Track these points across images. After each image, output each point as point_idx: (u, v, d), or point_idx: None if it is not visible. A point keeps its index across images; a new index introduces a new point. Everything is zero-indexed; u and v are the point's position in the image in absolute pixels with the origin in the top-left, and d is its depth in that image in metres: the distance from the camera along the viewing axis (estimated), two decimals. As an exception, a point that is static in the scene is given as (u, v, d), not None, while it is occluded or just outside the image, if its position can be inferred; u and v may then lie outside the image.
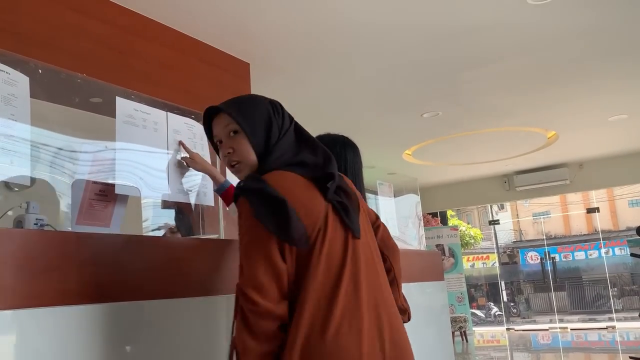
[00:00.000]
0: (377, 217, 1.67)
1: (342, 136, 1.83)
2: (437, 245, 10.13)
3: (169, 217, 2.92)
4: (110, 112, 1.87)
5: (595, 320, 13.45)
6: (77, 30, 3.18)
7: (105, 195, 1.82)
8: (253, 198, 1.27)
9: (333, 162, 1.42)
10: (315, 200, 1.31)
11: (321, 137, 1.82)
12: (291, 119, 1.57)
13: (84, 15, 3.23)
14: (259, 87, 4.60)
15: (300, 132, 1.53)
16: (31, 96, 1.63)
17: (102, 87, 2.39)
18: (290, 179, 1.33)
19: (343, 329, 1.20)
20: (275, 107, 1.55)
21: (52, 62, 2.11)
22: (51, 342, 1.36)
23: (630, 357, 5.17)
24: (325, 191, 1.33)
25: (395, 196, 3.80)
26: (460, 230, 12.67)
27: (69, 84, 2.12)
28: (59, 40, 3.07)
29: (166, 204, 2.70)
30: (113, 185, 1.81)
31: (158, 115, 1.98)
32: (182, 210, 2.76)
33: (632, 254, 5.30)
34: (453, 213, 16.06)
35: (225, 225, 2.37)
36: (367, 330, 1.23)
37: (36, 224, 1.80)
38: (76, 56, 3.12)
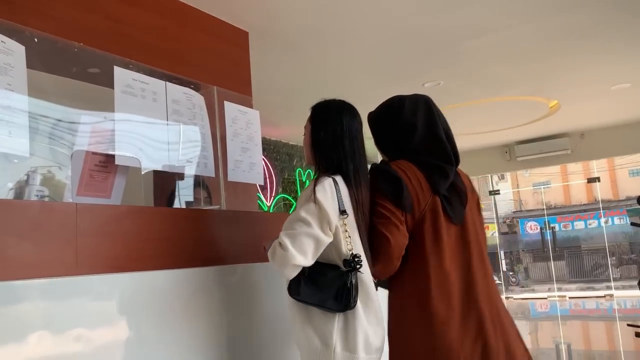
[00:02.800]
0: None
1: (338, 101, 1.79)
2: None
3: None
4: (109, 82, 1.84)
5: (593, 289, 13.60)
6: (73, 0, 3.12)
7: (105, 166, 1.81)
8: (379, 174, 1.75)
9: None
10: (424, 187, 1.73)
11: (317, 104, 1.79)
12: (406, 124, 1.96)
13: (79, -16, 3.16)
14: (258, 56, 4.54)
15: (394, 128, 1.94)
16: (27, 66, 1.61)
17: (99, 57, 2.35)
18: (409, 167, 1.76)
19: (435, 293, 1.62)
20: (389, 115, 1.98)
21: (48, 32, 2.07)
22: (51, 313, 1.37)
23: (628, 325, 5.23)
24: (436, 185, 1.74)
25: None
26: (460, 201, 12.67)
27: (66, 54, 2.09)
28: (54, 9, 3.01)
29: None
30: (113, 156, 1.80)
31: (157, 85, 1.96)
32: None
33: (632, 223, 5.32)
34: (453, 183, 16.05)
35: (226, 197, 2.37)
36: (456, 299, 1.64)
37: (37, 196, 1.79)
38: (72, 26, 3.07)
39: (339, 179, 1.67)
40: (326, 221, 1.57)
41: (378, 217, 1.68)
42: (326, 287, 1.56)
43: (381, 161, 1.88)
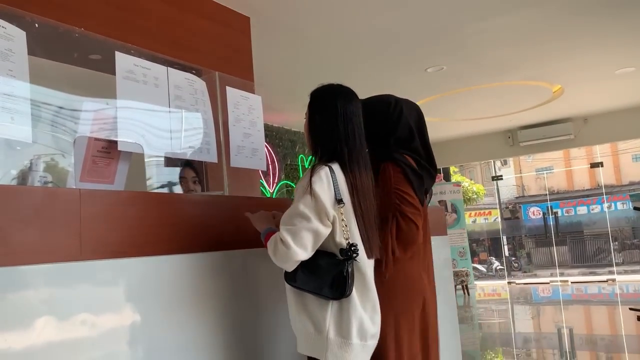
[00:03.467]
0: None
1: (333, 85, 1.77)
2: (440, 202, 10.17)
3: (171, 175, 2.93)
4: (110, 69, 1.84)
5: (595, 274, 13.62)
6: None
7: (108, 152, 1.81)
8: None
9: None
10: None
11: (314, 90, 1.78)
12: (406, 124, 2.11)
13: (79, -31, 3.14)
14: (260, 41, 4.51)
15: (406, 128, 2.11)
16: (28, 53, 1.60)
17: (101, 43, 2.34)
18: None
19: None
20: (393, 113, 2.08)
21: (49, 18, 2.05)
22: (56, 298, 1.38)
23: (630, 309, 5.25)
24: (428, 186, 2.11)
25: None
26: (463, 187, 12.68)
27: (67, 40, 2.08)
28: (54, -5, 2.99)
29: (170, 162, 2.69)
30: (115, 142, 1.80)
31: (158, 70, 1.95)
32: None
33: (635, 208, 5.31)
34: (456, 169, 16.06)
35: (229, 183, 2.37)
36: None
37: (40, 182, 1.80)
38: (73, 12, 3.05)
39: (335, 166, 1.66)
40: (324, 213, 1.57)
41: (407, 205, 1.89)
42: (322, 275, 1.58)
43: (394, 153, 2.00)
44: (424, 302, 2.00)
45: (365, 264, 1.67)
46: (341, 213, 1.60)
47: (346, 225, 1.61)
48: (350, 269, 1.57)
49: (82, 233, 1.43)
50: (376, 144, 1.96)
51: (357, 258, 1.60)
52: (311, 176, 1.60)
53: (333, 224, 1.60)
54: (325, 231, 1.59)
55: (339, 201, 1.61)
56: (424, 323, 2.00)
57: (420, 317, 1.99)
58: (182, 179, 2.89)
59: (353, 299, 1.60)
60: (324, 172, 1.62)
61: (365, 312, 1.63)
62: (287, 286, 1.67)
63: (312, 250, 1.59)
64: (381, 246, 1.81)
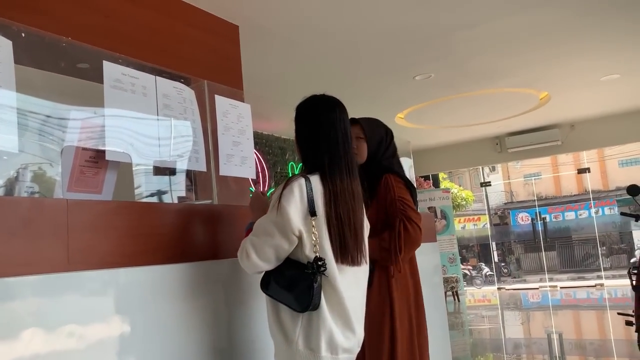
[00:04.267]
0: None
1: (315, 96, 1.77)
2: (429, 208, 10.20)
3: (160, 184, 2.91)
4: (98, 78, 1.82)
5: (584, 279, 13.72)
6: (60, -7, 3.09)
7: (95, 161, 1.80)
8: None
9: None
10: None
11: (298, 104, 1.78)
12: (394, 144, 2.39)
13: (66, -22, 3.13)
14: (249, 50, 4.52)
15: (395, 150, 2.38)
16: (15, 62, 1.59)
17: (88, 52, 2.33)
18: None
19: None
20: (387, 133, 2.36)
21: (36, 27, 2.04)
22: (43, 310, 1.36)
23: (618, 313, 5.28)
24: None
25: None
26: (452, 193, 12.74)
27: (54, 49, 2.07)
28: (41, 4, 2.98)
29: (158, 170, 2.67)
30: (103, 152, 1.78)
31: (146, 79, 1.94)
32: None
33: (622, 213, 5.36)
34: (445, 176, 16.13)
35: (218, 191, 2.36)
36: None
37: (27, 192, 1.78)
38: (60, 21, 3.04)
39: (315, 177, 1.64)
40: (289, 228, 1.56)
41: (411, 211, 2.13)
42: (291, 287, 1.57)
43: (389, 167, 2.27)
44: (417, 301, 2.22)
45: (337, 277, 1.61)
46: (313, 226, 1.58)
47: (316, 238, 1.59)
48: (316, 283, 1.55)
49: (70, 243, 1.42)
50: (375, 159, 2.25)
51: (325, 272, 1.57)
52: (283, 189, 1.60)
53: (301, 237, 1.58)
54: (288, 246, 1.59)
55: (311, 213, 1.58)
56: (418, 319, 2.20)
57: (416, 316, 2.19)
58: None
59: (323, 312, 1.57)
60: (297, 184, 1.60)
61: (336, 325, 1.59)
62: (265, 295, 1.67)
63: (277, 261, 1.61)
64: (387, 249, 2.05)
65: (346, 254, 1.64)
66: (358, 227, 1.69)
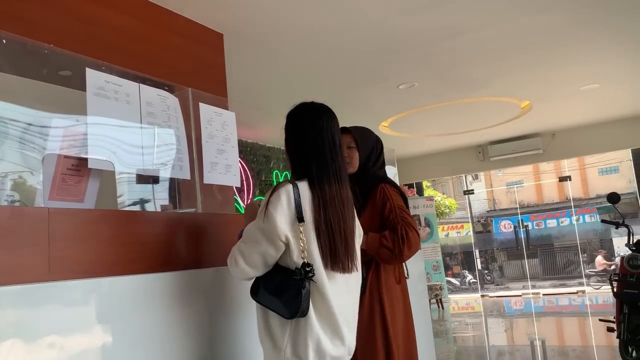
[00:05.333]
0: None
1: (303, 103, 1.78)
2: (413, 216, 10.24)
3: (143, 192, 2.88)
4: (81, 85, 1.81)
5: (566, 286, 13.86)
6: (43, 1, 3.06)
7: (78, 169, 1.78)
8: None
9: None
10: None
11: (288, 112, 1.79)
12: (384, 154, 2.46)
13: (49, -15, 3.11)
14: (233, 58, 4.52)
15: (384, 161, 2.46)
16: (-4, 69, 1.57)
17: (71, 59, 2.31)
18: None
19: None
20: (378, 142, 2.43)
21: (17, 34, 2.02)
22: (23, 321, 1.34)
23: (600, 320, 5.34)
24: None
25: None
26: (435, 201, 12.82)
27: (36, 56, 2.05)
28: (23, 11, 2.95)
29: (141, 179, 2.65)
30: (86, 160, 1.77)
31: (130, 86, 1.93)
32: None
33: (602, 221, 5.44)
34: (429, 184, 16.22)
35: (202, 199, 2.35)
36: None
37: (7, 201, 1.75)
38: (42, 28, 3.01)
39: (303, 183, 1.65)
40: (276, 235, 1.57)
41: (411, 219, 2.22)
42: (280, 293, 1.57)
43: (384, 177, 2.37)
44: (407, 306, 2.31)
45: (325, 284, 1.60)
46: (300, 232, 1.58)
47: (304, 244, 1.58)
48: (304, 289, 1.54)
49: (51, 253, 1.40)
50: (365, 169, 2.31)
51: (314, 279, 1.57)
52: (270, 196, 1.61)
53: (288, 244, 1.58)
54: (275, 252, 1.59)
55: (299, 219, 1.59)
56: (409, 324, 2.28)
57: (407, 321, 2.27)
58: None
59: (310, 319, 1.57)
60: (284, 190, 1.61)
61: (324, 333, 1.59)
62: (255, 302, 1.67)
63: (265, 267, 1.61)
64: (389, 248, 2.09)
65: (335, 260, 1.63)
66: (348, 234, 1.69)
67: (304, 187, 1.64)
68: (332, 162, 1.69)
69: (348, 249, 1.68)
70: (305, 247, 1.58)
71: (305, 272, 1.55)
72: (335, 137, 1.73)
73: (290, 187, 1.62)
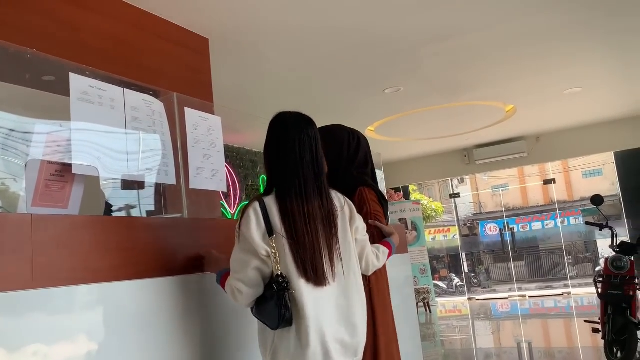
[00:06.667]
0: None
1: (280, 114, 1.76)
2: (400, 220, 10.27)
3: (128, 198, 2.85)
4: (65, 90, 1.79)
5: (551, 288, 13.97)
6: (25, 5, 3.03)
7: (61, 175, 1.75)
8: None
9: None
10: None
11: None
12: (364, 151, 2.31)
13: (31, -11, 3.08)
14: (219, 62, 4.51)
15: (368, 159, 2.32)
16: (-22, 74, 1.55)
17: (54, 64, 2.29)
18: None
19: None
20: (353, 138, 2.28)
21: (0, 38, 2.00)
22: (6, 329, 1.32)
23: (585, 321, 5.40)
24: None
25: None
26: (422, 204, 12.87)
27: (19, 61, 2.03)
28: (6, 15, 2.92)
29: (126, 184, 2.62)
30: (70, 165, 1.75)
31: (114, 92, 1.91)
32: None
33: (586, 223, 5.51)
34: (415, 188, 16.29)
35: (188, 205, 2.33)
36: None
37: (-11, 208, 1.72)
38: (25, 32, 2.98)
39: (269, 197, 1.65)
40: (257, 250, 1.58)
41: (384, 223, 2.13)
42: (263, 306, 1.59)
43: (363, 180, 2.19)
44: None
45: (302, 296, 1.57)
46: (273, 245, 1.59)
47: (277, 257, 1.59)
48: (282, 300, 1.55)
49: (34, 259, 1.38)
50: (340, 171, 2.14)
51: (293, 290, 1.56)
52: (240, 219, 1.63)
53: (268, 257, 1.60)
54: (265, 266, 1.60)
55: (269, 233, 1.59)
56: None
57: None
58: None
59: (288, 331, 1.58)
60: (251, 209, 1.62)
61: (299, 345, 1.56)
62: None
63: (265, 281, 1.62)
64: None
65: (309, 272, 1.60)
66: (324, 245, 1.64)
67: (270, 200, 1.65)
68: (299, 171, 1.66)
69: (330, 261, 1.64)
70: (278, 260, 1.59)
71: (279, 283, 1.55)
72: (304, 148, 1.68)
73: (256, 203, 1.63)
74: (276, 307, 1.55)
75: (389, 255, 2.05)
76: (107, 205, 2.60)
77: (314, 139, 1.72)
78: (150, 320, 1.69)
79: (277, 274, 1.57)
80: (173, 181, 2.17)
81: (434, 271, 14.97)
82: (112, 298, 1.58)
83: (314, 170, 1.68)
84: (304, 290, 1.58)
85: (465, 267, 17.02)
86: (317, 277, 1.61)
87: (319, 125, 1.82)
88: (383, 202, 2.23)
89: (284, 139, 1.69)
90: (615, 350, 4.50)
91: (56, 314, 1.43)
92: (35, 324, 1.37)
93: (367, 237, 1.88)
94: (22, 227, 1.38)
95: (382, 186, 4.78)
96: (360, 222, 1.83)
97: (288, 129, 1.71)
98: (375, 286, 2.10)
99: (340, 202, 1.77)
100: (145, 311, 1.67)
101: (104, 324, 1.54)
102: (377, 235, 2.10)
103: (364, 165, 2.26)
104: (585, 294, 11.60)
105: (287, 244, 1.60)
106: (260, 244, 1.59)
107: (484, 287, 16.49)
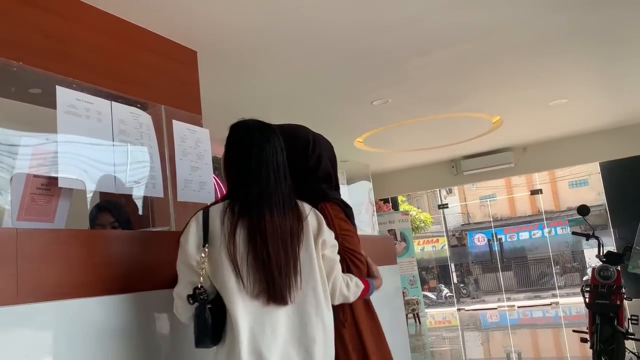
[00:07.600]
0: None
1: (237, 123, 1.74)
2: (389, 231, 10.29)
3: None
4: (51, 103, 1.78)
5: (540, 297, 14.04)
6: (11, 17, 3.02)
7: (47, 189, 1.74)
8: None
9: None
10: None
11: None
12: (326, 157, 2.05)
13: (17, 1, 3.07)
14: (207, 75, 4.51)
15: (330, 166, 2.06)
16: (-38, 87, 1.54)
17: (41, 77, 2.28)
18: None
19: None
20: (314, 147, 1.98)
21: (-15, 51, 1.99)
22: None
23: (573, 331, 5.42)
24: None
25: (348, 183, 3.82)
26: (410, 215, 12.90)
27: (4, 73, 2.01)
28: (-9, 28, 2.90)
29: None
30: (56, 179, 1.73)
31: (102, 104, 1.90)
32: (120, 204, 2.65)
33: (573, 232, 5.54)
34: (404, 198, 16.34)
35: (176, 218, 2.32)
36: None
37: (-26, 222, 1.70)
38: (10, 45, 2.96)
39: (216, 207, 1.58)
40: (190, 262, 1.53)
41: (354, 245, 1.86)
42: (195, 321, 1.54)
43: (324, 194, 1.89)
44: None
45: (238, 313, 1.46)
46: (202, 255, 1.51)
47: (204, 269, 1.51)
48: (206, 313, 1.49)
49: (19, 274, 1.36)
50: (299, 181, 1.78)
51: (229, 306, 1.47)
52: (184, 229, 1.59)
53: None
54: (198, 279, 1.52)
55: (204, 242, 1.52)
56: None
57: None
58: (98, 226, 2.58)
59: (222, 348, 1.50)
60: (193, 218, 1.58)
61: None
62: None
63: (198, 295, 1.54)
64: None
65: (247, 286, 1.48)
66: (274, 259, 1.51)
67: (216, 209, 1.57)
68: (245, 181, 1.59)
69: (283, 280, 1.51)
70: (213, 272, 1.52)
71: (195, 295, 1.49)
72: (250, 156, 1.61)
73: (200, 213, 1.58)
74: (204, 322, 1.49)
75: (363, 293, 1.77)
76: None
77: (272, 147, 1.64)
78: (139, 335, 1.67)
79: (195, 287, 1.50)
80: (161, 194, 2.16)
81: (423, 282, 14.98)
82: (99, 313, 1.56)
83: (273, 182, 1.58)
84: (240, 306, 1.46)
85: (454, 278, 17.06)
86: (258, 293, 1.49)
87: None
88: (349, 212, 1.91)
89: (239, 147, 1.66)
90: (603, 359, 4.52)
91: (42, 329, 1.41)
92: (19, 339, 1.35)
93: (338, 257, 1.70)
94: (7, 242, 1.36)
95: (371, 197, 4.79)
96: (328, 237, 1.66)
97: (243, 137, 1.67)
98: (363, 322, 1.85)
99: (305, 212, 1.63)
100: (133, 326, 1.65)
101: (90, 339, 1.52)
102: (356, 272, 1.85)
103: (327, 178, 1.96)
104: (573, 303, 11.66)
105: (224, 256, 1.50)
106: (192, 254, 1.52)
107: (473, 298, 16.52)
